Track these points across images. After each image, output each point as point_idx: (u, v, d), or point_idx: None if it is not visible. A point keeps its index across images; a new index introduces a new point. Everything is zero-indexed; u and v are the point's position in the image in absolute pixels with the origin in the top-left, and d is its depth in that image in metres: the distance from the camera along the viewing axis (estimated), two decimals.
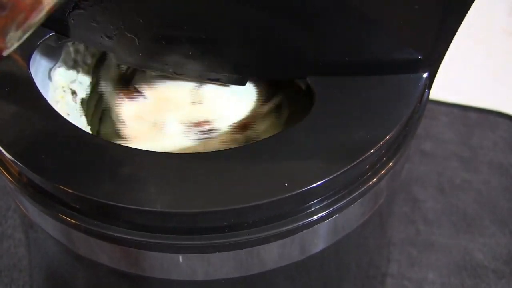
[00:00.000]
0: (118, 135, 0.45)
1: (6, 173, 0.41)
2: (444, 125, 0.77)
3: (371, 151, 0.39)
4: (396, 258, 0.65)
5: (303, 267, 0.43)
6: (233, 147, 0.42)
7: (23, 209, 0.43)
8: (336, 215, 0.39)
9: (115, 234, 0.38)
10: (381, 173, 0.40)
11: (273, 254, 0.40)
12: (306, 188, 0.37)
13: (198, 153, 0.40)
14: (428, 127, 0.76)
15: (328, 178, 0.37)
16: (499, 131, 0.76)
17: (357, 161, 0.38)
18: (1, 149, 0.39)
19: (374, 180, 0.40)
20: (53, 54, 0.48)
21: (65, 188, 0.37)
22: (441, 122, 0.77)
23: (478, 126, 0.77)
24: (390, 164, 0.41)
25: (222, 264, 0.40)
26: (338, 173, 0.37)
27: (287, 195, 0.36)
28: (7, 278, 0.62)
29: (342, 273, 0.49)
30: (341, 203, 0.39)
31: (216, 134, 0.44)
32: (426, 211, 0.69)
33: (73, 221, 0.39)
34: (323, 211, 0.39)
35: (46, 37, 0.45)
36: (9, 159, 0.39)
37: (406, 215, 0.68)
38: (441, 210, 0.69)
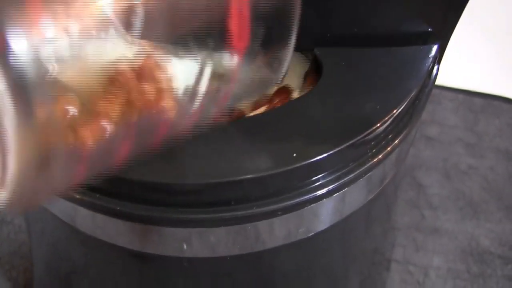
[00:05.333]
0: None
1: None
2: (449, 110, 0.76)
3: (381, 122, 0.38)
4: (401, 244, 0.64)
5: (309, 246, 0.43)
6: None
7: None
8: (344, 189, 0.39)
9: (119, 208, 0.37)
10: (390, 146, 0.40)
11: (279, 230, 0.39)
12: (316, 158, 0.36)
13: None
14: (433, 113, 0.76)
15: (337, 149, 0.37)
16: (505, 117, 0.76)
17: (367, 132, 0.37)
18: None
19: (383, 154, 0.40)
20: None
21: None
22: (446, 108, 0.77)
23: (484, 112, 0.76)
24: (400, 137, 0.40)
25: (228, 240, 0.39)
26: (347, 144, 0.37)
27: (296, 165, 0.36)
28: (8, 264, 0.62)
29: (347, 257, 0.48)
30: (349, 176, 0.39)
31: None
32: (431, 197, 0.68)
33: (77, 196, 0.38)
34: (331, 185, 0.38)
35: None
36: None
37: (411, 200, 0.68)
38: (446, 196, 0.68)
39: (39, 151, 0.26)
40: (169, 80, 0.30)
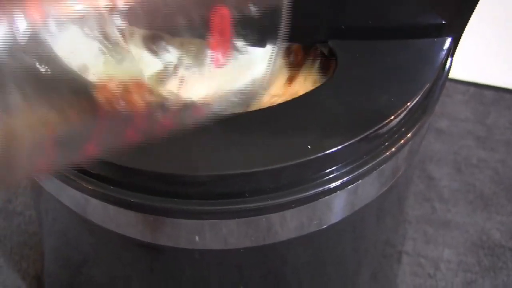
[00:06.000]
0: None
1: None
2: (460, 103, 0.76)
3: (395, 115, 0.38)
4: (411, 236, 0.64)
5: (321, 239, 0.42)
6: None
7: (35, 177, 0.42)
8: (357, 182, 0.39)
9: (131, 200, 0.37)
10: (404, 139, 0.39)
11: (292, 222, 0.39)
12: (330, 151, 0.36)
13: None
14: (444, 105, 0.75)
15: (351, 142, 0.36)
16: None
17: (381, 124, 0.37)
18: None
19: (396, 146, 0.39)
20: None
21: None
22: (457, 101, 0.76)
23: (494, 105, 0.76)
24: (414, 130, 0.40)
25: (241, 232, 0.39)
26: (361, 136, 0.37)
27: (310, 157, 0.36)
28: (17, 255, 0.62)
29: (359, 250, 0.48)
30: (362, 169, 0.38)
31: None
32: (441, 190, 0.68)
33: (89, 187, 0.38)
34: (344, 177, 0.38)
35: None
36: None
37: (422, 193, 0.67)
38: (457, 189, 0.68)
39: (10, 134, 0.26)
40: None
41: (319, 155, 0.36)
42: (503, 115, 0.75)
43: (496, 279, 0.61)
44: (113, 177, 0.37)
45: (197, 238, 0.39)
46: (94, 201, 0.39)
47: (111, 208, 0.39)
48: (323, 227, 0.41)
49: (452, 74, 0.77)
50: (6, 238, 0.63)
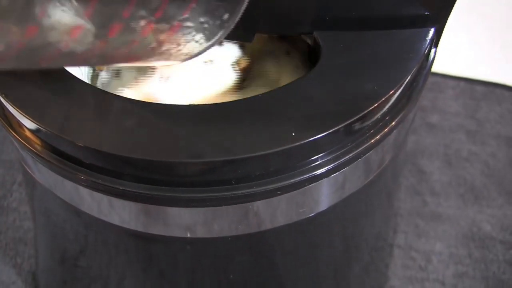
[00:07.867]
0: None
1: (13, 131, 0.40)
2: (450, 98, 0.77)
3: (378, 103, 0.38)
4: (403, 230, 0.64)
5: (309, 228, 0.43)
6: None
7: (28, 170, 0.43)
8: (342, 170, 0.39)
9: (121, 188, 0.38)
10: (388, 128, 0.40)
11: (279, 210, 0.39)
12: (314, 138, 0.36)
13: (204, 104, 0.40)
14: (435, 100, 0.76)
15: (334, 129, 0.37)
16: (506, 104, 0.76)
17: (365, 112, 0.38)
18: (8, 104, 0.39)
19: (380, 134, 0.40)
20: None
21: (71, 140, 0.37)
22: (447, 95, 0.77)
23: (485, 99, 0.77)
24: (398, 118, 0.40)
25: (228, 220, 0.39)
26: (345, 124, 0.37)
27: (294, 145, 0.36)
28: (12, 251, 0.62)
29: (348, 240, 0.49)
30: (347, 157, 0.39)
31: None
32: (433, 183, 0.68)
33: (81, 177, 0.38)
34: (329, 165, 0.38)
35: None
36: (16, 113, 0.39)
37: (413, 186, 0.68)
38: (448, 182, 0.68)
39: None
40: None
41: (303, 142, 0.36)
42: (493, 109, 0.76)
43: (487, 271, 0.62)
44: (103, 165, 0.38)
45: (185, 226, 0.40)
46: (85, 191, 0.39)
47: (102, 197, 0.39)
48: (311, 215, 0.41)
49: (443, 69, 0.78)
50: (1, 234, 0.63)
